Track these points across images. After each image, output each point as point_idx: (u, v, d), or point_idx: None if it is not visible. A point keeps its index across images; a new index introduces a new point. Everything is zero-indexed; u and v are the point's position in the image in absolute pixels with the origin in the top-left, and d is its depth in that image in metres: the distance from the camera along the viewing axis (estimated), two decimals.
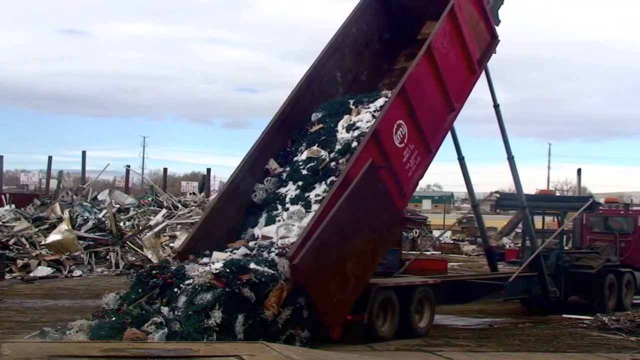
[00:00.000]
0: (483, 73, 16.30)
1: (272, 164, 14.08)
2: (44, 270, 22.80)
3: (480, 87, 16.03)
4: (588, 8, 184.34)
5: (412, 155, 13.82)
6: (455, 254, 39.93)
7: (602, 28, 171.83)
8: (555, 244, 19.01)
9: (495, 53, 16.14)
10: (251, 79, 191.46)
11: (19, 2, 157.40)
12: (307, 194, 13.38)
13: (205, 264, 11.84)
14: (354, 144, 13.50)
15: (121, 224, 28.48)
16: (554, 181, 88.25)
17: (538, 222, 21.27)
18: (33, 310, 15.97)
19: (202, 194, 41.14)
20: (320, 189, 13.30)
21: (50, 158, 45.14)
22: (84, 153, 48.06)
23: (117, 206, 31.72)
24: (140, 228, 28.68)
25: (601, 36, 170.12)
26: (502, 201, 21.87)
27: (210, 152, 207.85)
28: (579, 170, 46.20)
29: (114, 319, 10.78)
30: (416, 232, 43.46)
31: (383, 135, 13.13)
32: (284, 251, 11.95)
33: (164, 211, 31.41)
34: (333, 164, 13.53)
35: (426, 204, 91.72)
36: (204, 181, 48.72)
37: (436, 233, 46.26)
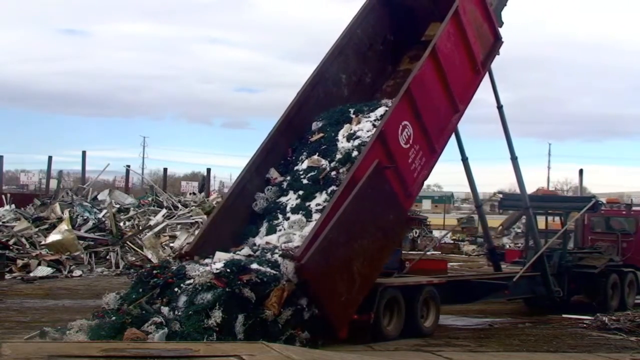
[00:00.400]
0: (486, 74, 16.34)
1: (273, 173, 14.11)
2: (44, 270, 22.79)
3: (479, 88, 16.05)
4: (588, 8, 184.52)
5: (418, 155, 13.93)
6: (455, 254, 39.90)
7: (602, 28, 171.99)
8: (558, 244, 19.06)
9: (498, 54, 16.24)
10: (251, 79, 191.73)
11: (19, 2, 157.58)
12: (307, 203, 13.42)
13: (206, 264, 11.85)
14: (355, 153, 13.57)
15: (121, 224, 28.48)
16: (554, 181, 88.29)
17: (540, 221, 21.26)
18: (33, 310, 15.97)
19: (202, 194, 41.14)
20: (321, 199, 13.35)
21: (50, 158, 45.17)
22: (84, 153, 48.07)
23: (117, 206, 31.71)
24: (140, 228, 28.67)
25: (601, 36, 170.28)
26: (505, 201, 21.96)
27: (210, 152, 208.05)
28: (581, 171, 46.17)
29: (114, 319, 10.78)
30: (416, 232, 43.45)
31: (389, 136, 13.26)
32: (289, 252, 11.97)
33: (164, 211, 31.40)
34: (334, 173, 13.58)
35: (426, 204, 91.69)
36: (204, 181, 48.73)
37: (436, 233, 46.22)
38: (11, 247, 24.38)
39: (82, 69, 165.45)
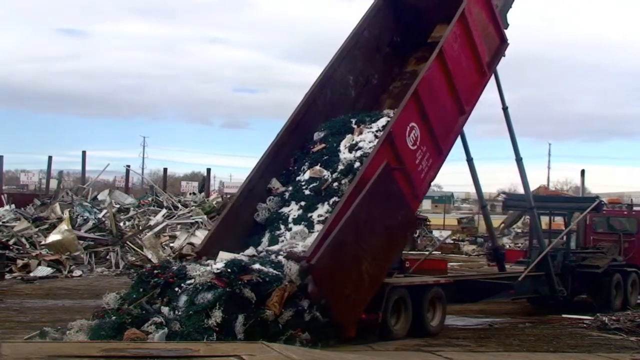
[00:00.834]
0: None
1: (275, 183, 14.13)
2: (44, 270, 22.80)
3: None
4: (588, 8, 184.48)
5: (425, 157, 14.06)
6: (455, 254, 39.88)
7: (602, 28, 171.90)
8: (562, 244, 19.17)
9: (504, 56, 16.34)
10: (250, 79, 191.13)
11: (19, 2, 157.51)
12: (309, 214, 13.47)
13: (208, 264, 11.89)
14: (357, 164, 13.63)
15: (121, 224, 28.48)
16: (554, 181, 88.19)
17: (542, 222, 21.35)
18: (33, 310, 15.97)
19: (202, 194, 41.15)
20: (322, 210, 13.40)
21: (50, 158, 45.19)
22: (84, 153, 48.09)
23: (117, 206, 31.72)
24: (140, 228, 28.67)
25: (601, 36, 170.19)
26: (509, 202, 22.06)
27: (210, 152, 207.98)
28: (583, 172, 46.26)
29: (114, 319, 10.78)
30: (416, 232, 43.43)
31: (397, 137, 13.38)
32: (294, 254, 12.04)
33: (164, 211, 31.39)
34: (335, 184, 13.63)
35: (426, 204, 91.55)
36: (204, 182, 48.75)
37: (436, 233, 46.19)
38: (11, 247, 24.38)
39: (82, 69, 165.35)
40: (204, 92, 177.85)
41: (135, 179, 64.92)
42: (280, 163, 14.41)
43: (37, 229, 26.58)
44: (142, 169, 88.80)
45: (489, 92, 16.70)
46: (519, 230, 42.72)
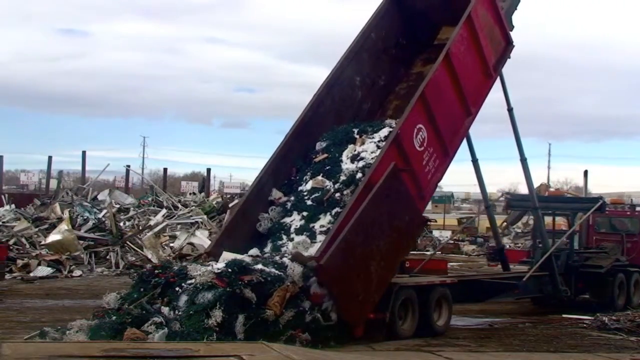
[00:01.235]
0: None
1: (276, 194, 14.11)
2: (44, 270, 22.80)
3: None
4: (588, 8, 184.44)
5: (431, 158, 14.17)
6: (455, 254, 39.86)
7: (602, 28, 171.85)
8: (565, 244, 19.28)
9: (509, 58, 16.41)
10: (250, 79, 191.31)
11: (18, 2, 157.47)
12: (312, 225, 13.49)
13: (209, 264, 11.91)
14: (359, 175, 13.67)
15: (121, 224, 28.48)
16: (554, 181, 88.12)
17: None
18: (33, 310, 15.97)
19: (202, 194, 41.15)
20: (325, 220, 13.42)
21: (50, 158, 45.22)
22: (84, 153, 48.13)
23: (117, 206, 31.71)
24: (140, 228, 28.67)
25: (601, 36, 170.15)
26: (513, 202, 22.16)
27: (210, 152, 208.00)
28: (586, 172, 46.31)
29: (114, 319, 10.78)
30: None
31: (404, 139, 13.49)
32: (300, 256, 12.09)
33: (164, 211, 31.40)
34: (338, 195, 13.66)
35: None
36: (204, 182, 48.76)
37: (436, 233, 46.17)
38: (11, 247, 24.37)
39: (82, 69, 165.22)
40: (204, 92, 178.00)
41: (135, 179, 64.93)
42: (289, 163, 14.51)
43: (37, 229, 26.58)
44: (142, 169, 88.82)
45: (489, 92, 16.71)
46: (519, 231, 42.72)
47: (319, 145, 14.78)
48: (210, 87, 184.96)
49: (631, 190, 62.14)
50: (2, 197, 34.08)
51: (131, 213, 31.67)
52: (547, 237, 18.63)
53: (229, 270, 11.32)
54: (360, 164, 13.94)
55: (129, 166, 53.94)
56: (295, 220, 13.73)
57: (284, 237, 13.54)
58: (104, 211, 29.03)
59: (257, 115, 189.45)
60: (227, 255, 12.25)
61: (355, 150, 14.26)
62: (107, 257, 25.40)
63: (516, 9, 17.20)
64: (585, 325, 15.86)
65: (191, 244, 26.77)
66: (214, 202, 34.58)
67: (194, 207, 32.31)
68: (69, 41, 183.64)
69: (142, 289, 11.53)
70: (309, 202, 13.81)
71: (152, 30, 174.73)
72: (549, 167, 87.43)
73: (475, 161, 17.93)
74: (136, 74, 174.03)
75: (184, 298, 11.12)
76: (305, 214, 13.69)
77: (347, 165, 14.09)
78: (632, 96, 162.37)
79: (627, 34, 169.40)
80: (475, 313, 17.49)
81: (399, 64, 16.64)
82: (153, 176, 79.67)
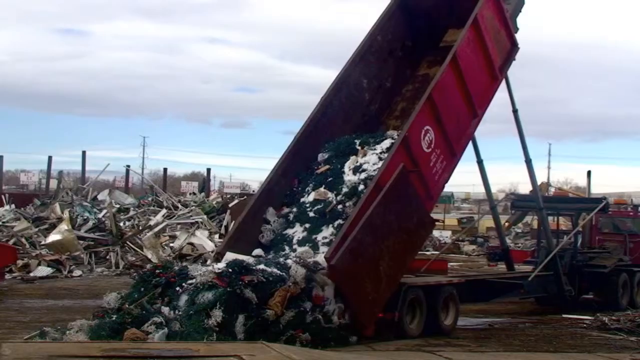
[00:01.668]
0: None
1: (271, 216, 14.03)
2: (44, 270, 22.78)
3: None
4: (588, 8, 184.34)
5: (439, 159, 14.33)
6: (455, 254, 39.83)
7: (602, 28, 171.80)
8: (569, 244, 19.42)
9: (515, 60, 16.53)
10: (250, 79, 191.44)
11: (18, 1, 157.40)
12: (314, 236, 13.54)
13: (210, 264, 11.94)
14: (361, 187, 13.73)
15: (121, 224, 28.47)
16: (554, 181, 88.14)
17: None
18: (33, 310, 15.97)
19: (202, 194, 41.15)
20: (327, 232, 13.47)
21: (50, 158, 45.26)
22: (84, 153, 48.20)
23: (117, 206, 31.74)
24: (140, 228, 28.67)
25: (601, 36, 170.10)
26: (517, 202, 22.29)
27: (210, 152, 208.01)
28: (589, 173, 46.40)
29: (114, 318, 10.78)
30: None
31: (412, 140, 13.64)
32: (304, 260, 12.15)
33: (164, 211, 31.40)
34: (340, 207, 13.71)
35: None
36: (204, 182, 48.78)
37: (436, 233, 46.13)
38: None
39: (82, 69, 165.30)
40: (204, 92, 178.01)
41: (135, 179, 65.03)
42: (298, 164, 14.62)
43: (37, 229, 26.59)
44: (142, 169, 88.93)
45: (495, 94, 16.78)
46: (519, 231, 42.73)
47: (321, 157, 14.87)
48: (210, 87, 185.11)
49: (631, 190, 62.15)
50: (2, 197, 34.07)
51: (131, 213, 31.68)
52: (552, 237, 18.76)
53: (230, 270, 11.32)
54: (362, 175, 14.02)
55: (129, 166, 54.08)
56: (297, 231, 13.81)
57: (287, 248, 13.59)
58: (104, 211, 29.05)
59: (257, 115, 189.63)
60: (230, 256, 12.29)
61: (357, 162, 14.33)
62: (107, 257, 25.38)
63: (521, 11, 17.31)
64: (585, 325, 15.87)
65: (191, 244, 26.76)
66: (214, 202, 34.61)
67: (194, 207, 32.31)
68: (69, 41, 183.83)
69: (142, 289, 11.53)
70: (311, 214, 13.88)
71: (152, 30, 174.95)
72: (549, 167, 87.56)
73: (480, 162, 18.06)
74: (136, 74, 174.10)
75: (184, 298, 11.12)
76: (307, 225, 13.77)
77: (349, 177, 14.16)
78: (632, 96, 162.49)
79: (627, 34, 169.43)
80: (475, 313, 17.49)
81: (405, 65, 16.79)
82: (153, 176, 79.74)
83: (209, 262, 12.92)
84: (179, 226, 29.70)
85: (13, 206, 31.27)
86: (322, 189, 14.12)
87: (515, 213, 30.77)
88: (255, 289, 11.19)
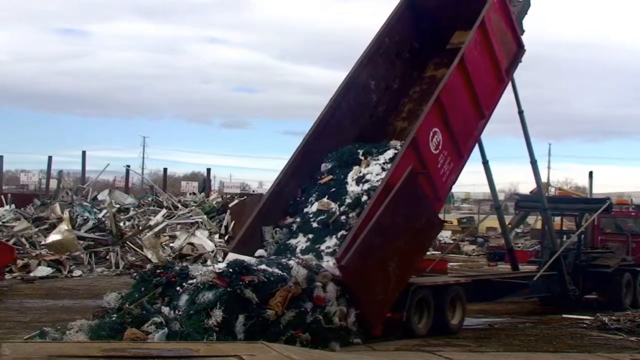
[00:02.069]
0: None
1: (268, 236, 14.02)
2: (44, 270, 22.78)
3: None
4: (588, 8, 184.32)
5: (446, 161, 14.45)
6: (455, 254, 39.82)
7: (603, 28, 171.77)
8: (573, 244, 19.54)
9: (521, 62, 16.63)
10: (250, 79, 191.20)
11: (18, 1, 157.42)
12: (317, 246, 13.55)
13: (210, 264, 11.95)
14: (364, 197, 13.78)
15: (121, 224, 28.47)
16: (554, 181, 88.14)
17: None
18: (33, 310, 15.97)
19: (202, 194, 41.15)
20: (331, 242, 13.49)
21: (50, 158, 45.27)
22: (84, 153, 48.21)
23: (117, 206, 31.72)
24: (140, 228, 28.67)
25: (602, 36, 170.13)
26: (521, 203, 22.42)
27: (210, 152, 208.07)
28: (591, 173, 46.51)
29: (114, 318, 10.78)
30: None
31: (421, 142, 13.77)
32: (307, 263, 12.18)
33: (164, 211, 31.40)
34: (343, 217, 13.74)
35: None
36: (204, 182, 48.78)
37: None
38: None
39: (82, 69, 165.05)
40: (204, 92, 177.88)
41: (135, 179, 65.02)
42: (307, 166, 14.70)
43: (37, 229, 26.58)
44: (142, 169, 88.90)
45: (502, 96, 16.85)
46: (519, 231, 42.70)
47: (324, 167, 14.92)
48: (210, 87, 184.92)
49: (631, 190, 62.10)
50: (2, 197, 34.07)
51: (131, 213, 31.67)
52: (556, 237, 18.88)
53: (230, 270, 11.33)
54: (366, 186, 14.05)
55: (129, 166, 54.08)
56: (301, 241, 13.82)
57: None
58: (104, 211, 29.04)
59: (257, 115, 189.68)
60: (232, 256, 12.34)
61: (360, 172, 14.37)
62: (107, 257, 25.39)
63: (527, 13, 17.44)
64: (585, 325, 15.88)
65: (191, 244, 26.76)
66: (214, 202, 34.61)
67: (194, 207, 32.32)
68: (69, 41, 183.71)
69: (142, 289, 11.53)
70: (314, 225, 13.90)
71: (152, 30, 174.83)
72: (549, 167, 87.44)
73: (485, 163, 18.14)
74: (136, 74, 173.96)
75: (184, 298, 11.11)
76: (310, 236, 13.80)
77: (352, 187, 14.19)
78: (633, 96, 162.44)
79: (628, 34, 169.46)
80: (475, 313, 17.48)
81: (412, 67, 16.89)
82: (153, 176, 79.73)
83: (209, 262, 12.89)
84: (179, 226, 29.70)
85: (13, 206, 31.26)
86: (325, 200, 14.15)
87: (519, 214, 30.85)
88: (256, 289, 11.19)
